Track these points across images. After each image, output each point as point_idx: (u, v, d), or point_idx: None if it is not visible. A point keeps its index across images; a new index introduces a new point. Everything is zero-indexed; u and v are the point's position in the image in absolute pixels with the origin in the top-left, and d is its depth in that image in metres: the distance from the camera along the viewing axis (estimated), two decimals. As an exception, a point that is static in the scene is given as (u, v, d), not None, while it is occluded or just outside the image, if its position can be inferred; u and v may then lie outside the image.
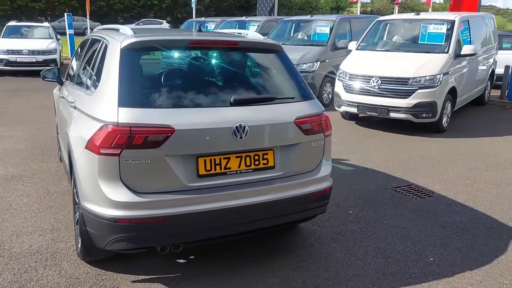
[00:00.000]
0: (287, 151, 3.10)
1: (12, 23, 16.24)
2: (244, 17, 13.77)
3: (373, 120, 8.44)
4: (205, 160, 2.80)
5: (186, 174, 2.75)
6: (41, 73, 4.72)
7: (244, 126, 2.84)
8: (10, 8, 36.20)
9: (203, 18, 16.45)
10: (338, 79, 8.18)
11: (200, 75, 3.11)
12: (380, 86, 7.42)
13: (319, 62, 9.56)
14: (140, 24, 33.72)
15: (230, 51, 3.24)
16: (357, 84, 7.72)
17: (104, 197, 2.64)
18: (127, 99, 2.70)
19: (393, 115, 7.46)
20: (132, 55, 2.88)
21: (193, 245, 3.17)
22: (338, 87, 8.14)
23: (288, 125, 3.05)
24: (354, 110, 7.89)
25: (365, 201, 4.70)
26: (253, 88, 3.26)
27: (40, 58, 14.08)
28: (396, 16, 8.73)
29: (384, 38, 8.79)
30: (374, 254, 3.56)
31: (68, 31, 19.47)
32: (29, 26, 16.30)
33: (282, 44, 10.08)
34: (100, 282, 3.04)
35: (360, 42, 8.67)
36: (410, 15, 9.06)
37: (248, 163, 2.94)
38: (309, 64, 9.52)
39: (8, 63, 13.62)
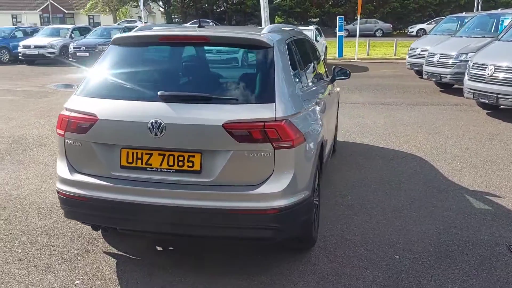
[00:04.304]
0: (217, 157, 2.75)
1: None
2: (499, 9, 11.27)
3: None
4: (127, 152, 2.86)
5: (110, 162, 2.90)
6: None
7: (160, 123, 2.73)
8: (316, 13, 41.01)
9: (463, 13, 14.39)
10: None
11: (147, 69, 3.10)
12: (493, 74, 7.66)
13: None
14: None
15: (199, 47, 3.08)
16: (475, 72, 8.09)
17: (56, 170, 3.12)
18: (81, 88, 3.08)
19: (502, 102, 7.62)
20: (111, 50, 3.21)
21: (127, 232, 3.25)
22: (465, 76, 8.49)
23: (215, 129, 2.70)
24: (470, 96, 8.30)
25: (442, 251, 3.46)
26: (197, 85, 2.99)
27: None
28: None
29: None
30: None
31: (338, 33, 20.74)
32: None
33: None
34: (89, 242, 3.55)
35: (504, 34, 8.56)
36: None
37: (171, 163, 2.80)
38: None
39: None
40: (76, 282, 3.04)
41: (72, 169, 3.03)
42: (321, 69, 4.95)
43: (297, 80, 3.27)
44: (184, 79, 3.04)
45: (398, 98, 10.54)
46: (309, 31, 17.66)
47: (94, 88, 3.05)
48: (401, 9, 37.55)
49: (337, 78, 5.25)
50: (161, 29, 3.32)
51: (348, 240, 3.65)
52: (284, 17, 43.38)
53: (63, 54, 19.28)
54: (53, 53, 19.34)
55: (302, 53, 3.94)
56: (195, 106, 2.79)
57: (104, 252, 3.44)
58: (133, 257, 3.38)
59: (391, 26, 36.52)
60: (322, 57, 18.26)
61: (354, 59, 20.52)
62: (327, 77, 5.28)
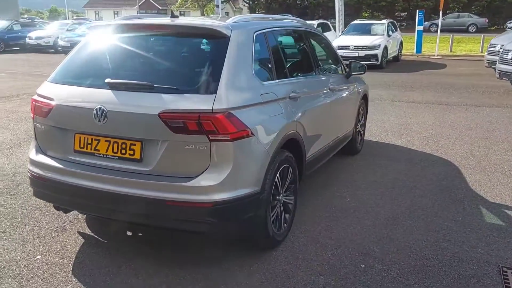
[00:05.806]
0: (155, 147, 2.74)
1: (356, 21, 18.09)
2: None
3: None
4: (80, 137, 2.96)
5: (66, 146, 3.02)
6: None
7: (103, 110, 2.79)
8: (402, 7, 38.93)
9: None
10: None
11: (107, 57, 3.11)
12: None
13: None
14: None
15: (159, 36, 3.07)
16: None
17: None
18: (52, 75, 3.24)
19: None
20: (87, 38, 3.34)
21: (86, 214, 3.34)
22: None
23: (151, 118, 2.68)
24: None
25: (418, 265, 3.14)
26: (144, 74, 2.95)
27: (363, 53, 15.31)
28: None
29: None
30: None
31: (417, 28, 19.52)
32: (369, 24, 17.66)
33: None
34: (71, 221, 3.76)
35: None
36: None
37: (115, 150, 2.85)
38: None
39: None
40: (37, 257, 3.23)
41: (40, 150, 3.21)
42: (327, 63, 4.71)
43: (261, 72, 3.14)
44: (136, 68, 3.06)
45: (462, 99, 9.68)
46: (382, 25, 16.89)
47: (60, 75, 3.20)
48: (499, 2, 34.20)
49: (353, 73, 4.98)
50: (132, 19, 3.38)
51: (320, 243, 3.44)
52: (369, 11, 41.87)
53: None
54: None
55: (290, 46, 3.77)
56: (137, 94, 2.80)
57: (78, 232, 3.61)
58: (100, 239, 3.50)
59: (487, 20, 33.42)
60: (397, 52, 17.37)
61: (434, 55, 19.21)
62: (344, 72, 5.02)
